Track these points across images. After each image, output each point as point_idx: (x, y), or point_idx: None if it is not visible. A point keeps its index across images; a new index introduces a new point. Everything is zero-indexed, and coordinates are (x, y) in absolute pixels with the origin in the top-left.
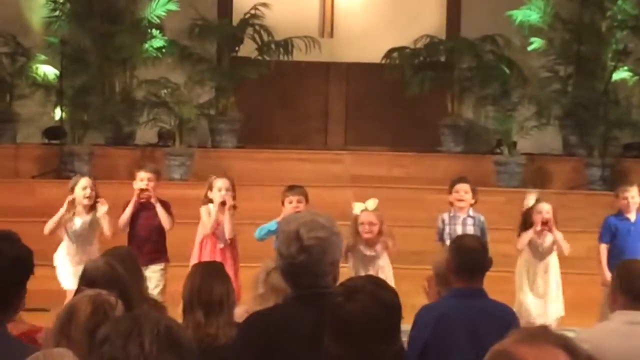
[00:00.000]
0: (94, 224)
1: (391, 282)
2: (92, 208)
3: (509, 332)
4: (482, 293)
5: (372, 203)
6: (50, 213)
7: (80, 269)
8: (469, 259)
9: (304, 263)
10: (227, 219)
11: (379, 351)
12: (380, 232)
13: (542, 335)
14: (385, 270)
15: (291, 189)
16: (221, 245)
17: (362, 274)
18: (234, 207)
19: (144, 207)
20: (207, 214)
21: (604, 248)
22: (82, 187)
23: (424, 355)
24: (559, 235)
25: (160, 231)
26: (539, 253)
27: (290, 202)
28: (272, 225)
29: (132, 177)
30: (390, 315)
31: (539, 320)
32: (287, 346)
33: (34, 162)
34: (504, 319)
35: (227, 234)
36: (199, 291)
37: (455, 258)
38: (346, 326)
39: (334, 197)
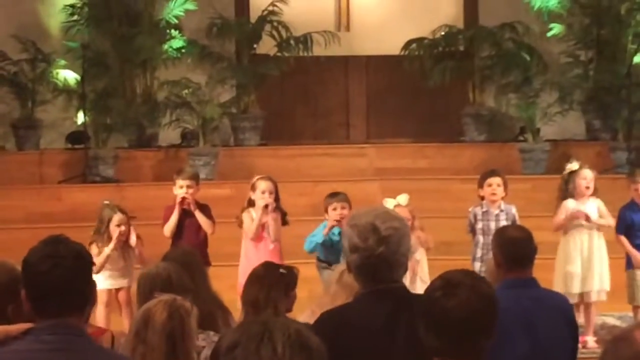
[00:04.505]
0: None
1: (426, 275)
2: (125, 242)
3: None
4: (534, 282)
5: (403, 198)
6: (77, 218)
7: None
8: (516, 250)
9: (383, 254)
10: (271, 222)
11: (479, 344)
12: (412, 228)
13: None
14: (421, 263)
15: (334, 195)
16: (271, 247)
17: None
18: (281, 212)
19: (186, 213)
20: (250, 220)
21: (623, 238)
22: (116, 224)
23: None
24: (607, 221)
25: (203, 236)
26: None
27: (335, 209)
28: (318, 237)
29: (157, 179)
30: (490, 309)
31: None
32: (361, 344)
33: (58, 168)
34: (559, 307)
35: (272, 237)
36: (242, 293)
37: (503, 251)
38: (447, 320)
39: (360, 191)
